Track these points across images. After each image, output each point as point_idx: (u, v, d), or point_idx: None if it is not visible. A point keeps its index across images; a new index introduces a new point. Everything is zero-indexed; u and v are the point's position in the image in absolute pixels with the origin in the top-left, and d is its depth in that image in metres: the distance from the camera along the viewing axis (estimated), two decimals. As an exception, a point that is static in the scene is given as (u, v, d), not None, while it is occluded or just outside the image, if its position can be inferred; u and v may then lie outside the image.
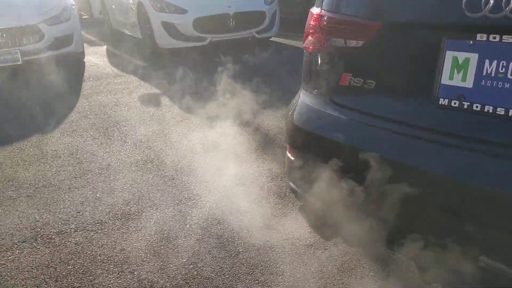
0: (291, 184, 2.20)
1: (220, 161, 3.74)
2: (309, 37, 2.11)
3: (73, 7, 7.23)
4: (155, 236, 2.81)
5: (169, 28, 7.70)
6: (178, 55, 7.57)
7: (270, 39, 8.77)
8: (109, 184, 3.50)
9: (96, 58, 8.19)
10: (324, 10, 1.97)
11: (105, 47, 9.22)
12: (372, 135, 1.74)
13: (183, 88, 5.78)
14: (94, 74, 6.97)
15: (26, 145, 4.35)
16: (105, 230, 2.91)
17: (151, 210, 3.10)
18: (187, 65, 6.89)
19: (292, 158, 2.14)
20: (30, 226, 3.00)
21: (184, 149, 4.04)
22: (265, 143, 4.11)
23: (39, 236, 2.89)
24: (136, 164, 3.82)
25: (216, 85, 5.59)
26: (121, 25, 9.34)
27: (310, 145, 1.98)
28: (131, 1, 8.41)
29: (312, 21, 2.09)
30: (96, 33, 10.65)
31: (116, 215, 3.06)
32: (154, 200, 3.23)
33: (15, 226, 3.01)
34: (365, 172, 1.72)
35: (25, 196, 3.39)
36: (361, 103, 1.82)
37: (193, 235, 2.80)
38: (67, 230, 2.94)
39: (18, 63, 6.46)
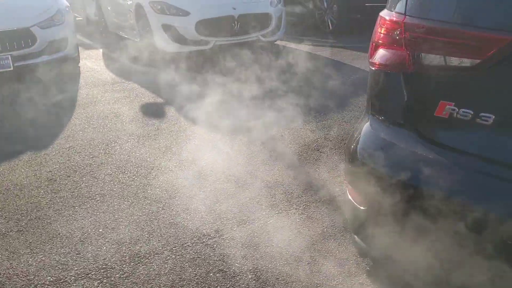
0: (356, 238, 1.74)
1: (240, 186, 3.28)
2: (381, 50, 1.65)
3: (67, 9, 6.73)
4: None
5: (170, 31, 7.23)
6: (180, 60, 7.08)
7: (275, 43, 8.31)
8: (113, 215, 3.03)
9: (92, 62, 7.69)
10: (409, 16, 1.51)
11: (101, 50, 8.72)
12: (492, 188, 1.28)
13: (189, 97, 5.31)
14: (91, 81, 6.47)
15: (17, 165, 3.86)
16: (111, 278, 2.43)
17: (165, 252, 2.63)
18: (191, 70, 6.42)
19: (361, 208, 1.68)
20: (22, 272, 2.52)
21: (197, 172, 3.57)
22: (290, 163, 3.65)
23: (33, 285, 2.41)
24: (143, 190, 3.34)
25: (224, 93, 5.14)
26: (118, 27, 8.84)
27: (387, 191, 1.52)
28: (129, 3, 7.92)
29: (384, 29, 1.63)
30: (91, 36, 10.13)
31: (124, 258, 2.59)
32: (167, 238, 2.76)
33: (4, 272, 2.53)
34: (474, 235, 1.27)
35: (16, 231, 2.91)
36: (470, 142, 1.37)
37: (218, 287, 2.33)
38: (66, 277, 2.46)
39: (9, 69, 5.96)
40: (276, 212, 2.97)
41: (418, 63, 1.49)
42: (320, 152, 3.80)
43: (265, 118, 4.52)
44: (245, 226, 2.82)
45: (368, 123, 1.75)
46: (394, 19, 1.58)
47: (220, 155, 3.83)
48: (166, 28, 7.20)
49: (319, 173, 3.46)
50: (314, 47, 8.09)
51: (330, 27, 8.96)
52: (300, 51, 7.82)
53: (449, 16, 1.40)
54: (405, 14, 1.53)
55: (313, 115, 4.60)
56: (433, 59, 1.46)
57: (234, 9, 7.35)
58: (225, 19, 7.30)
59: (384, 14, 1.71)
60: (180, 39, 7.23)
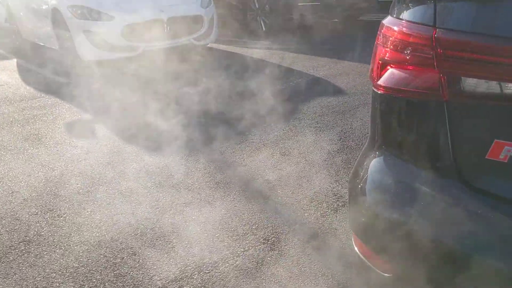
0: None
1: (195, 219, 2.83)
2: (394, 71, 1.29)
3: (-27, 16, 5.93)
4: None
5: (93, 37, 6.60)
6: (107, 69, 6.48)
7: (209, 46, 7.88)
8: (44, 270, 2.48)
9: (5, 75, 6.89)
10: (442, 28, 1.15)
11: (15, 61, 7.88)
12: None
13: (119, 111, 4.78)
14: (5, 97, 5.73)
15: None
16: None
17: (114, 316, 2.14)
18: (118, 80, 5.84)
19: (385, 275, 1.30)
20: None
21: (143, 204, 3.07)
22: (244, 187, 3.24)
23: None
24: (77, 232, 2.81)
25: (158, 105, 4.67)
26: (33, 34, 8.03)
27: (422, 257, 1.16)
28: (44, 7, 7.17)
29: (395, 43, 1.27)
30: (2, 44, 9.20)
31: (62, 330, 2.07)
32: (114, 296, 2.26)
33: None
34: None
35: None
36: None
37: None
38: None
39: None
40: (242, 249, 2.56)
41: (457, 89, 1.14)
42: (279, 170, 3.42)
43: (207, 133, 4.09)
44: (208, 272, 2.38)
45: (380, 160, 1.38)
46: (413, 31, 1.22)
47: (167, 180, 3.36)
48: (89, 34, 6.57)
49: (280, 198, 3.08)
50: (249, 49, 7.74)
51: (264, 28, 8.64)
52: (236, 54, 7.44)
53: (506, 30, 1.05)
54: (435, 25, 1.17)
55: (261, 126, 4.22)
56: (479, 84, 1.11)
57: (163, 11, 6.86)
58: (154, 22, 6.80)
59: (390, 23, 1.34)
60: (105, 46, 6.63)
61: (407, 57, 1.25)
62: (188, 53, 7.03)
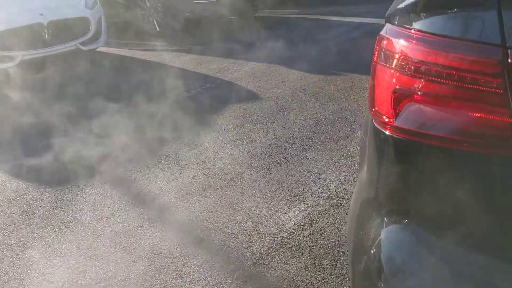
0: None
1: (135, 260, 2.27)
2: (423, 109, 0.89)
3: None
4: None
5: (-42, 48, 5.60)
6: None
7: (98, 50, 7.11)
8: None
9: None
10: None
11: None
12: None
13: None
14: None
15: None
16: None
17: None
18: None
19: None
20: None
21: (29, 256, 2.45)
22: (165, 223, 2.72)
23: None
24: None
25: (45, 123, 3.98)
26: None
27: None
28: None
29: (416, 66, 0.87)
30: None
31: None
32: None
33: None
34: None
35: None
36: None
37: None
38: None
39: None
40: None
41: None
42: (206, 197, 2.93)
43: (110, 158, 3.49)
44: None
45: (398, 231, 0.97)
46: (462, 52, 0.82)
47: (68, 223, 2.74)
48: (-47, 45, 5.57)
49: (214, 235, 2.60)
50: (144, 52, 7.10)
51: (158, 28, 8.02)
52: (130, 59, 6.77)
53: None
54: (504, 44, 0.77)
55: (175, 143, 3.69)
56: None
57: (42, 15, 6.02)
58: (32, 27, 5.94)
59: (404, 36, 0.93)
60: (-25, 57, 5.66)
61: (452, 90, 0.85)
62: (74, 60, 6.25)
